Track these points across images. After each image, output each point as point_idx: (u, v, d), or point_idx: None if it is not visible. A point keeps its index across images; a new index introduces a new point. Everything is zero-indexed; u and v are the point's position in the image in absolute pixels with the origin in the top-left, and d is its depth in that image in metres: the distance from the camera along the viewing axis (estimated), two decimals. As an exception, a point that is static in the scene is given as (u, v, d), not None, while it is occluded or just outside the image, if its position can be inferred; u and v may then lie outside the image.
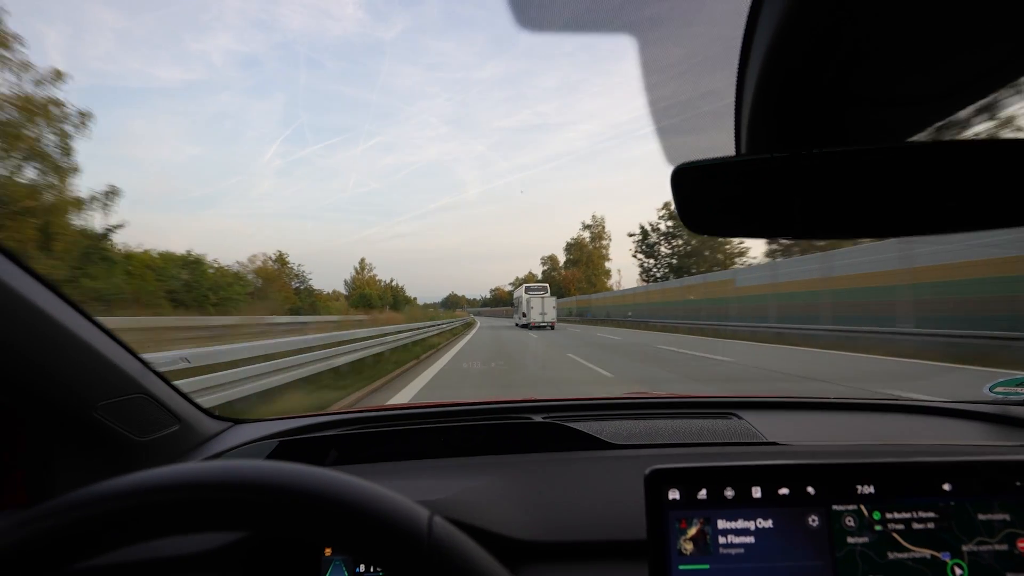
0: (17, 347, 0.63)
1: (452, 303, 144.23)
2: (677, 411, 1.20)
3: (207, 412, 1.05)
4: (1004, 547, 0.53)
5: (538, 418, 1.06)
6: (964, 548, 0.53)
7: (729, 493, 0.53)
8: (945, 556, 0.53)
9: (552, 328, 30.03)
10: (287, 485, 0.36)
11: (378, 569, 0.73)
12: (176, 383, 0.94)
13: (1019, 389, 1.21)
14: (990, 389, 1.25)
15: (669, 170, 0.51)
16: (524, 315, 32.56)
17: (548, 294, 34.02)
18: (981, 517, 0.54)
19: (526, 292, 34.07)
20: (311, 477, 0.37)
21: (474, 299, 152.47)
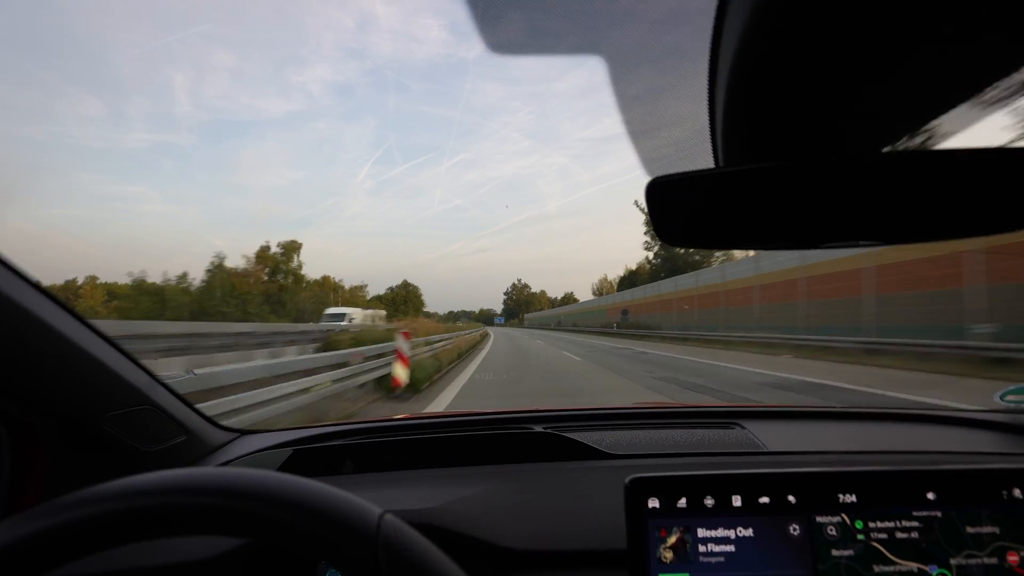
0: (27, 361, 0.66)
1: (524, 303, 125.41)
2: (680, 421, 1.20)
3: (214, 423, 1.07)
4: (994, 561, 0.52)
5: (539, 428, 1.07)
6: (952, 561, 0.52)
7: (709, 502, 0.54)
8: (932, 569, 0.52)
9: None
10: (242, 487, 0.38)
11: None
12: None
13: None
14: (1001, 397, 1.23)
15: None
16: None
17: None
18: (969, 529, 0.53)
19: None
20: (263, 479, 0.39)
21: (554, 297, 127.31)
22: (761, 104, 0.47)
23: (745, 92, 0.45)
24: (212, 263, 39.51)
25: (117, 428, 0.80)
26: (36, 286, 0.66)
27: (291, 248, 47.48)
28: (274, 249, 46.81)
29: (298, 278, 47.63)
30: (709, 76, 0.47)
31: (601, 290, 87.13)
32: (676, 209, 0.53)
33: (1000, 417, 1.14)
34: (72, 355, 0.71)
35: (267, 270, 45.49)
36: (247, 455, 1.03)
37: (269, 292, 42.40)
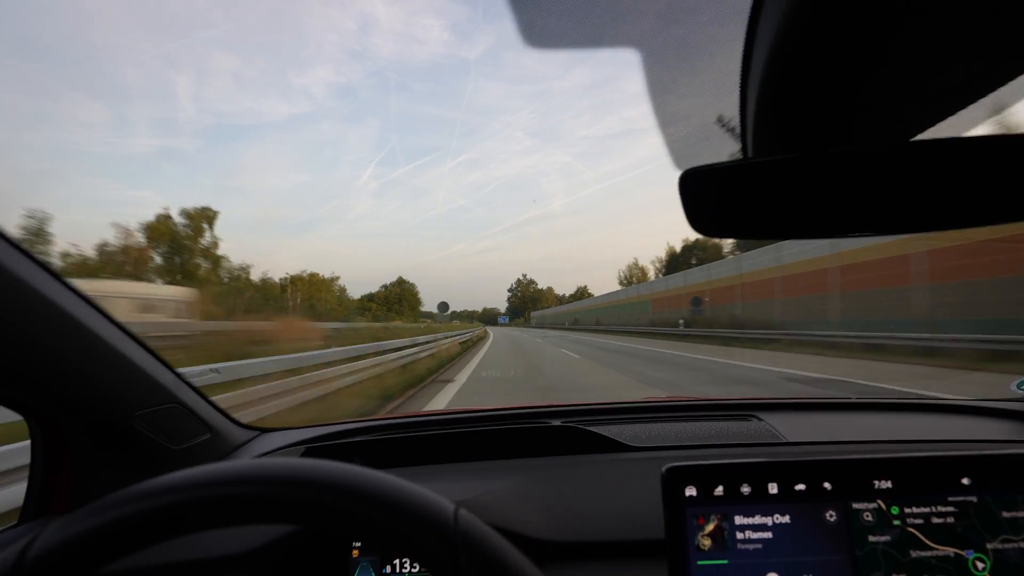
0: (59, 360, 0.66)
1: (530, 299, 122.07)
2: (696, 413, 1.20)
3: (236, 422, 1.08)
4: None
5: (557, 422, 1.07)
6: (989, 546, 0.53)
7: (746, 489, 0.54)
8: (968, 554, 0.53)
9: None
10: (321, 479, 0.38)
11: (404, 570, 0.75)
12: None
13: None
14: (1018, 386, 1.23)
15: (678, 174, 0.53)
16: None
17: None
18: (1005, 514, 0.53)
19: None
20: (342, 472, 0.39)
21: (562, 295, 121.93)
22: (793, 95, 0.47)
23: (780, 85, 0.46)
24: (27, 228, 21.84)
25: (146, 426, 0.80)
26: (69, 286, 0.67)
27: (200, 217, 32.44)
28: (177, 219, 31.38)
29: (214, 260, 33.04)
30: (742, 69, 0.48)
31: (631, 278, 71.90)
32: (708, 199, 0.54)
33: (1017, 406, 1.15)
34: (103, 354, 0.71)
35: (159, 249, 30.81)
36: (268, 453, 1.03)
37: (170, 281, 28.70)
